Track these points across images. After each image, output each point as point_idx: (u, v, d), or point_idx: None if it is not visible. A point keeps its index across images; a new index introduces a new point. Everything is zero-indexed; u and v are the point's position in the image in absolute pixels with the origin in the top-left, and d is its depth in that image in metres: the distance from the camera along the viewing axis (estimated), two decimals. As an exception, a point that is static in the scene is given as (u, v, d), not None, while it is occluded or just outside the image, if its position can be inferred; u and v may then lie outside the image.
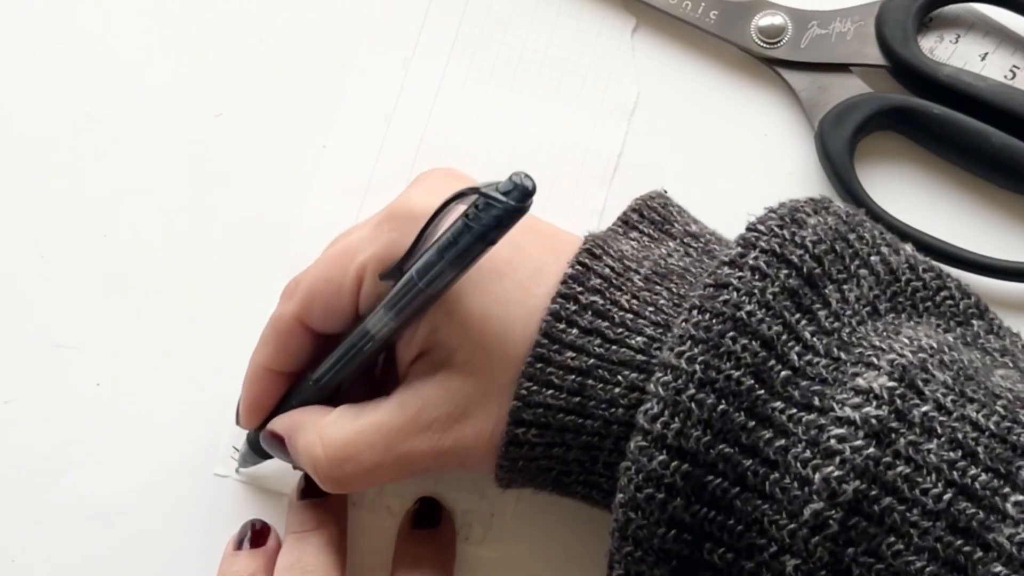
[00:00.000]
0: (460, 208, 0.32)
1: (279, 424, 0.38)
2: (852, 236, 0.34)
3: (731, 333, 0.31)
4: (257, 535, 0.40)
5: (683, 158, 0.44)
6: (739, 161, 0.44)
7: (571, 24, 0.45)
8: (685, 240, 0.37)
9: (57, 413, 0.42)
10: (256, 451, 0.40)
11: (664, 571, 0.32)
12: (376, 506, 0.41)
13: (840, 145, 0.42)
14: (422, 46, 0.45)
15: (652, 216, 0.37)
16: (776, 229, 0.33)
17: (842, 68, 0.43)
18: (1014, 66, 0.43)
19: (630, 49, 0.45)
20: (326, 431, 0.36)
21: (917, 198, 0.43)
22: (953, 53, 0.44)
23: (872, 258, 0.34)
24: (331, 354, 0.36)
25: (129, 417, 0.42)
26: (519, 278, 0.35)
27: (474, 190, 0.31)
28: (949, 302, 0.35)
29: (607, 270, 0.34)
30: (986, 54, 0.44)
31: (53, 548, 0.41)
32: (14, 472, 0.42)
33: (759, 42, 0.44)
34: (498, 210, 0.31)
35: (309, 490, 0.40)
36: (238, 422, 0.40)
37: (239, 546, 0.40)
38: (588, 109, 0.44)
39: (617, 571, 0.32)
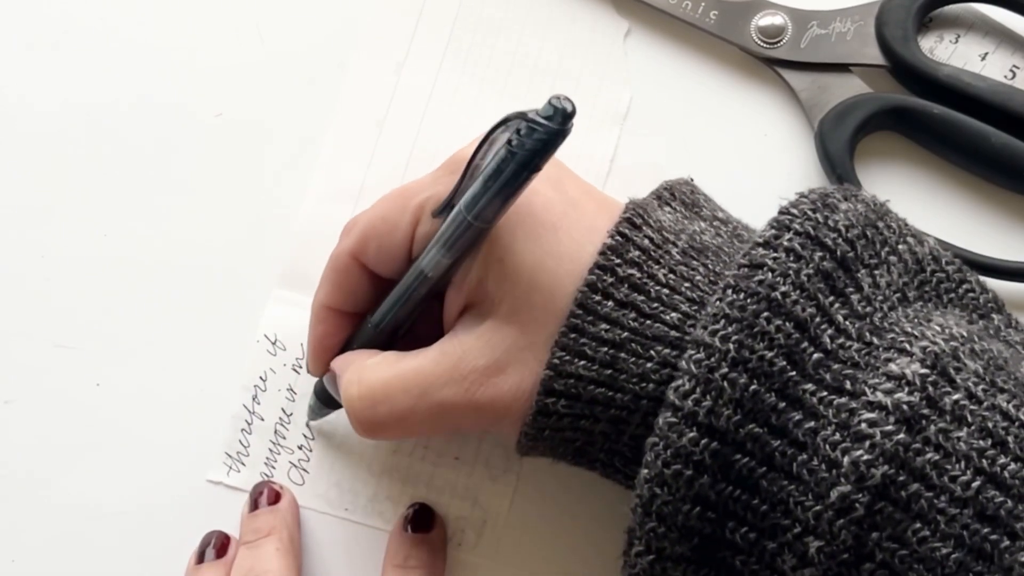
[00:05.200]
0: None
1: (335, 362, 0.38)
2: (881, 224, 0.34)
3: (765, 313, 0.31)
4: (219, 547, 0.40)
5: (683, 158, 0.44)
6: (739, 161, 0.44)
7: (563, 29, 0.45)
8: (714, 223, 0.37)
9: (57, 413, 0.42)
10: (321, 399, 0.40)
11: (686, 549, 0.32)
12: (369, 512, 0.41)
13: (840, 145, 0.42)
14: (414, 51, 0.45)
15: (683, 197, 0.37)
16: (809, 212, 0.33)
17: (842, 68, 0.43)
18: (1014, 66, 0.43)
19: (623, 54, 0.45)
20: (365, 371, 0.36)
21: (917, 198, 0.43)
22: (953, 53, 0.44)
23: (900, 246, 0.34)
24: (387, 297, 0.37)
25: (129, 418, 0.42)
26: (574, 234, 0.34)
27: (519, 115, 0.31)
28: (971, 295, 0.35)
29: (646, 241, 0.34)
30: (986, 54, 0.44)
31: (53, 548, 0.42)
32: (14, 472, 0.42)
33: (759, 42, 0.44)
34: (541, 134, 0.31)
35: (270, 498, 0.40)
36: (308, 369, 0.40)
37: (201, 559, 0.40)
38: (580, 114, 0.43)
39: (638, 547, 0.32)
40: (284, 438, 0.42)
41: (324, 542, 0.41)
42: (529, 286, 0.34)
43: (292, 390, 0.42)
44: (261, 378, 0.42)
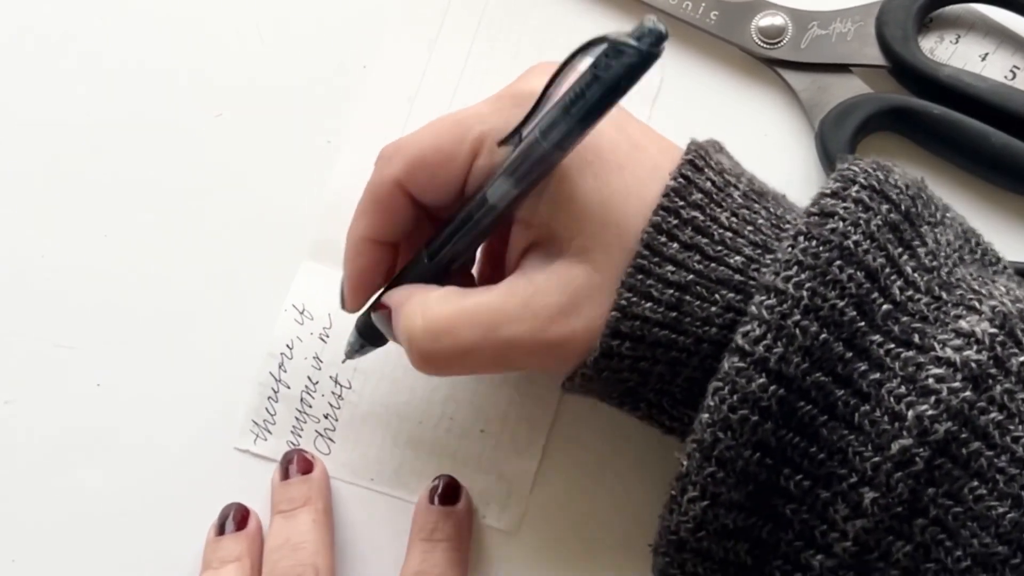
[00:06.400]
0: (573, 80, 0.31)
1: (389, 296, 0.36)
2: (926, 193, 0.34)
3: (838, 262, 0.31)
4: (239, 520, 0.40)
5: (683, 158, 0.44)
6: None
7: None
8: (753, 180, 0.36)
9: (57, 413, 0.42)
10: (364, 334, 0.39)
11: (741, 495, 0.32)
12: (395, 483, 0.41)
13: (840, 145, 0.42)
14: (447, 28, 0.45)
15: (726, 152, 0.37)
16: (870, 170, 0.33)
17: (842, 68, 0.43)
18: (1014, 66, 0.43)
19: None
20: (429, 303, 0.35)
21: (917, 198, 0.43)
22: (953, 53, 0.44)
23: (948, 214, 0.35)
24: (445, 227, 0.35)
25: (129, 418, 0.42)
26: (639, 173, 0.34)
27: (602, 38, 0.29)
28: (1007, 271, 0.36)
29: (708, 184, 0.34)
30: (986, 54, 0.44)
31: (53, 548, 0.42)
32: (14, 472, 0.42)
33: (759, 42, 0.44)
34: (631, 56, 0.29)
35: (301, 466, 0.41)
36: (343, 306, 0.38)
37: (221, 531, 0.40)
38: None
39: (692, 493, 0.32)
40: (310, 407, 0.42)
41: (350, 512, 0.42)
42: (601, 224, 0.33)
43: (319, 358, 0.42)
44: (288, 346, 0.42)
